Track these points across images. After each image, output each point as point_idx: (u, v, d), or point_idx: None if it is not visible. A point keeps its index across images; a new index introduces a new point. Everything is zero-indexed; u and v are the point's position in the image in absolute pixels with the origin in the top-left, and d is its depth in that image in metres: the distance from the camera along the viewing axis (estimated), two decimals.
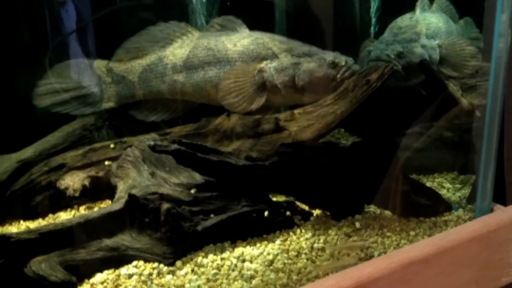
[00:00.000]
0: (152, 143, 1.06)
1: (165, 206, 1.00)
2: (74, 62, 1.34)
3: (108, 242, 0.97)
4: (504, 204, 1.21)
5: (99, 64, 1.34)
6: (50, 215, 1.21)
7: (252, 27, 1.37)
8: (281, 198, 1.19)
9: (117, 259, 0.97)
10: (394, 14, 1.54)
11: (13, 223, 1.19)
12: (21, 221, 1.19)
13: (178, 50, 1.31)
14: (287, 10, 1.62)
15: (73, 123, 1.33)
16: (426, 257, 1.00)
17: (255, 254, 1.03)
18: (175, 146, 1.06)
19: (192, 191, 1.08)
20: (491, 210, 1.18)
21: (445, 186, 1.30)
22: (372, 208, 1.19)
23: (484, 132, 1.25)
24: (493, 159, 1.23)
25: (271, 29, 1.60)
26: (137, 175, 1.10)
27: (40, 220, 1.20)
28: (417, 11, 1.49)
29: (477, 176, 1.22)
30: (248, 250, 1.04)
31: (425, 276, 1.02)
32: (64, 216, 1.20)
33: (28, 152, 1.25)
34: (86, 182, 1.14)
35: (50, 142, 1.28)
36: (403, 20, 1.47)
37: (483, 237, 1.09)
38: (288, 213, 1.13)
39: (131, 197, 1.00)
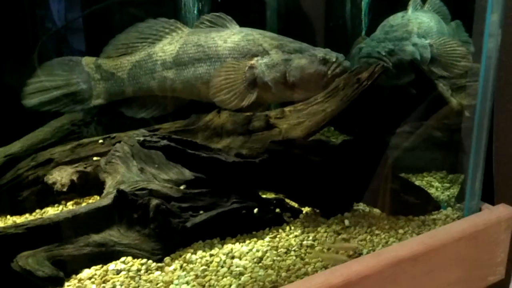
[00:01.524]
0: (141, 138, 1.07)
1: (154, 202, 1.01)
2: (63, 60, 1.34)
3: (96, 237, 0.98)
4: (492, 203, 1.23)
5: (88, 61, 1.34)
6: (38, 210, 1.20)
7: (242, 24, 1.38)
8: (270, 196, 1.20)
9: (105, 255, 0.97)
10: (386, 12, 1.56)
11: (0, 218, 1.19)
12: (8, 216, 1.19)
13: (168, 46, 1.31)
14: (278, 7, 1.63)
15: (61, 118, 1.33)
16: (414, 256, 1.02)
17: (244, 251, 1.04)
18: (165, 142, 1.07)
19: (182, 187, 1.09)
20: (480, 209, 1.20)
21: (434, 185, 1.32)
22: (361, 206, 1.21)
23: (473, 132, 1.27)
24: (482, 159, 1.25)
25: (262, 26, 1.61)
26: (126, 171, 1.10)
27: (27, 215, 1.20)
28: (409, 10, 1.51)
29: (466, 175, 1.23)
30: (237, 247, 1.05)
31: (414, 274, 1.03)
32: (51, 211, 1.20)
33: (15, 146, 1.25)
34: (74, 177, 1.14)
35: (38, 137, 1.27)
36: (395, 19, 1.49)
37: (472, 236, 1.11)
38: (277, 210, 1.14)
39: (120, 192, 1.01)
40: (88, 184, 1.19)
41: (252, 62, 1.29)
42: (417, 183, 1.31)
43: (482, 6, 1.28)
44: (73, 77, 1.34)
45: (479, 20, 1.29)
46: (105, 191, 1.08)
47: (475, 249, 1.10)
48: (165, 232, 1.01)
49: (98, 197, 1.18)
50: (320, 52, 1.32)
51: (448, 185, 1.32)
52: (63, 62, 1.35)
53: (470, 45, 1.50)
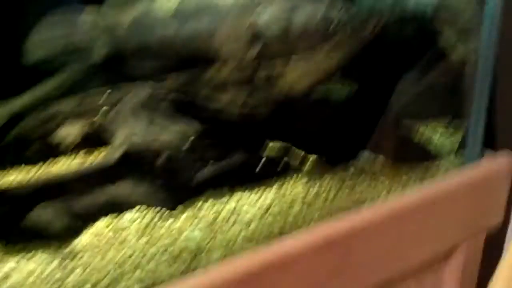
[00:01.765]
0: (151, 90, 1.08)
1: (165, 153, 1.03)
2: (61, 15, 1.32)
3: (109, 189, 1.01)
4: (495, 149, 1.26)
5: (87, 16, 1.32)
6: (48, 162, 1.22)
7: None
8: (278, 144, 1.23)
9: (120, 206, 1.00)
10: None
11: (10, 172, 1.21)
12: (18, 169, 1.21)
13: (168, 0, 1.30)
14: None
15: (65, 72, 1.32)
16: (416, 205, 1.05)
17: (252, 200, 1.07)
18: (175, 94, 1.08)
19: (191, 138, 1.11)
20: (482, 156, 1.23)
21: (438, 132, 1.34)
22: (366, 153, 1.23)
23: (476, 77, 1.28)
24: (484, 105, 1.28)
25: None
26: (135, 122, 1.12)
27: (36, 168, 1.21)
28: None
29: (468, 122, 1.26)
30: (246, 196, 1.09)
31: (417, 221, 1.07)
32: (56, 164, 1.21)
33: (20, 101, 1.24)
34: (83, 132, 1.15)
35: (43, 90, 1.27)
36: None
37: (472, 184, 1.14)
38: (285, 158, 1.17)
39: (131, 144, 1.03)
40: (97, 135, 1.20)
41: (255, 15, 1.28)
42: (421, 130, 1.33)
43: None
44: (73, 32, 1.33)
45: None
46: (116, 143, 1.10)
47: (476, 195, 1.14)
48: (176, 182, 1.04)
49: (105, 149, 1.20)
50: (322, 4, 1.29)
51: (452, 131, 1.34)
52: (63, 17, 1.33)
53: None
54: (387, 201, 1.04)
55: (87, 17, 1.34)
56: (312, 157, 1.21)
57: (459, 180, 1.12)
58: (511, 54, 1.33)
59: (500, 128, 1.28)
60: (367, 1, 1.44)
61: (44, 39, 1.33)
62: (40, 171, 1.18)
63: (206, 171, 1.08)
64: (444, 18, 1.46)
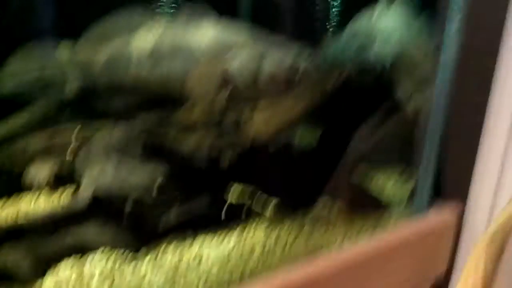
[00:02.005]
0: (120, 131, 1.12)
1: (131, 197, 1.07)
2: (37, 48, 1.35)
3: (75, 231, 1.04)
4: (443, 199, 1.35)
5: (63, 50, 1.35)
6: (13, 197, 1.24)
7: (216, 9, 1.41)
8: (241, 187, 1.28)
9: (84, 249, 1.03)
10: (354, 10, 1.62)
11: None
12: None
13: (144, 40, 1.34)
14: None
15: (35, 106, 1.34)
16: (364, 257, 1.11)
17: (215, 244, 1.12)
18: (144, 137, 1.12)
19: (157, 182, 1.15)
20: (430, 206, 1.32)
21: (391, 181, 1.43)
22: (324, 199, 1.30)
23: (428, 128, 1.38)
24: (433, 156, 1.37)
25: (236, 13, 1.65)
26: (103, 164, 1.15)
27: (3, 201, 1.23)
28: (376, 11, 1.57)
29: (418, 172, 1.35)
30: (208, 240, 1.13)
31: (364, 274, 1.14)
32: (24, 199, 1.23)
33: None
34: (54, 173, 1.18)
35: (13, 124, 1.29)
36: (361, 22, 1.55)
37: (421, 234, 1.23)
38: (247, 202, 1.22)
39: (98, 187, 1.06)
40: (64, 175, 1.23)
41: (226, 59, 1.34)
42: (375, 178, 1.42)
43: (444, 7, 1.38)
44: (47, 65, 1.35)
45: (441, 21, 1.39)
46: (82, 186, 1.13)
47: (423, 245, 1.22)
48: (141, 225, 1.08)
49: (73, 187, 1.23)
50: (292, 50, 1.37)
51: (403, 181, 1.43)
52: (39, 47, 1.35)
53: (433, 40, 1.59)
54: (340, 250, 1.11)
55: (62, 52, 1.37)
56: (273, 201, 1.27)
57: (407, 231, 1.20)
58: (462, 106, 1.43)
59: (448, 179, 1.37)
60: (331, 51, 1.52)
61: (16, 72, 1.35)
62: (7, 206, 1.19)
63: (171, 215, 1.12)
64: (401, 69, 1.56)
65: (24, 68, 1.35)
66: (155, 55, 1.34)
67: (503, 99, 1.37)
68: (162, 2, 1.45)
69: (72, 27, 1.41)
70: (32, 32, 1.51)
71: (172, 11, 1.46)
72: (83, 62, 1.36)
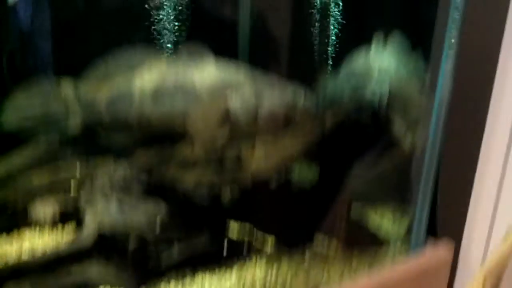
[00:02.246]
0: (122, 172, 1.15)
1: (133, 235, 1.10)
2: (42, 81, 1.38)
3: (77, 271, 1.05)
4: (436, 236, 1.38)
5: (67, 87, 1.39)
6: (14, 234, 1.26)
7: (215, 49, 1.46)
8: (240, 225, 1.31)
9: (85, 286, 1.05)
10: (351, 49, 1.67)
11: None
12: None
13: (147, 79, 1.38)
14: (250, 39, 1.72)
15: (38, 142, 1.37)
16: None
17: (214, 282, 1.14)
18: (145, 179, 1.15)
19: (158, 220, 1.18)
20: (425, 243, 1.34)
21: (386, 218, 1.45)
22: (320, 236, 1.33)
23: (422, 168, 1.41)
24: (429, 194, 1.40)
25: (234, 56, 1.70)
26: (105, 202, 1.18)
27: (4, 238, 1.25)
28: (372, 51, 1.63)
29: (414, 210, 1.38)
30: (207, 278, 1.15)
31: None
32: (27, 235, 1.25)
33: None
34: (58, 210, 1.20)
35: (16, 160, 1.32)
36: (358, 62, 1.60)
37: (415, 272, 1.25)
38: (245, 241, 1.25)
39: (100, 225, 1.09)
40: (67, 212, 1.25)
41: (227, 98, 1.38)
42: (371, 215, 1.45)
43: (437, 50, 1.43)
44: (51, 102, 1.39)
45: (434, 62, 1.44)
46: (85, 223, 1.15)
47: (418, 283, 1.25)
48: (142, 263, 1.10)
49: (75, 224, 1.25)
50: (289, 90, 1.41)
51: (399, 217, 1.46)
52: (42, 88, 1.39)
53: (426, 79, 1.64)
54: (338, 287, 1.13)
55: (65, 88, 1.41)
56: (272, 239, 1.30)
57: (404, 268, 1.22)
58: (456, 146, 1.47)
59: (442, 217, 1.40)
60: (329, 88, 1.57)
61: (20, 107, 1.38)
62: (10, 242, 1.21)
63: (172, 252, 1.14)
64: (396, 107, 1.60)
65: (27, 104, 1.38)
66: (157, 93, 1.38)
67: (496, 138, 1.41)
68: (163, 41, 1.49)
69: (75, 64, 1.46)
70: (36, 68, 1.56)
71: (172, 50, 1.50)
72: (86, 99, 1.40)
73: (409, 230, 1.39)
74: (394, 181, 1.50)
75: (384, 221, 1.44)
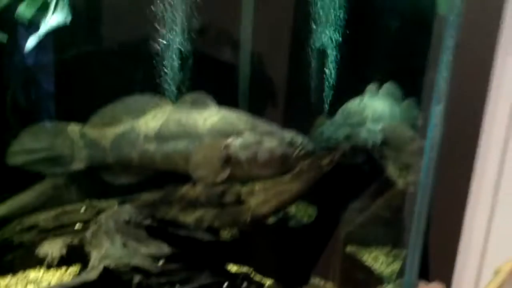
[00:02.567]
0: (127, 217, 1.21)
1: (137, 278, 1.15)
2: (49, 125, 1.44)
3: None
4: (428, 279, 1.43)
5: (73, 128, 1.45)
6: (21, 273, 1.30)
7: (216, 92, 1.53)
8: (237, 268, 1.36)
9: None
10: (346, 93, 1.75)
11: None
12: None
13: (151, 121, 1.44)
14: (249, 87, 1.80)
15: (44, 182, 1.42)
16: None
17: None
18: (149, 221, 1.21)
19: (160, 262, 1.22)
20: (417, 286, 1.40)
21: (380, 260, 1.51)
22: (317, 279, 1.38)
23: (414, 210, 1.47)
24: (420, 237, 1.46)
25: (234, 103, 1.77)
26: (110, 245, 1.23)
27: (9, 276, 1.29)
28: (366, 96, 1.71)
29: (406, 253, 1.44)
30: None
31: None
32: (33, 275, 1.30)
33: (1, 209, 1.34)
34: (64, 251, 1.25)
35: (22, 201, 1.37)
36: (353, 104, 1.68)
37: None
38: (244, 284, 1.29)
39: (106, 268, 1.14)
40: (73, 253, 1.30)
41: (228, 142, 1.44)
42: (365, 257, 1.50)
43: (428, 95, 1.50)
44: (57, 142, 1.44)
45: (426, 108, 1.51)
46: (90, 264, 1.20)
47: None
48: None
49: (80, 266, 1.30)
50: (287, 135, 1.47)
51: (391, 260, 1.52)
52: (49, 127, 1.45)
53: (418, 122, 1.72)
54: None
55: (72, 130, 1.46)
56: (269, 282, 1.35)
57: None
58: (447, 188, 1.54)
59: (433, 261, 1.46)
60: (325, 130, 1.64)
61: (27, 147, 1.44)
62: (17, 281, 1.26)
63: None
64: (389, 149, 1.67)
65: (35, 145, 1.44)
66: (161, 135, 1.44)
67: (484, 183, 1.48)
68: (166, 88, 1.56)
69: (83, 108, 1.52)
70: (44, 110, 1.62)
71: (176, 96, 1.57)
72: (92, 141, 1.45)
73: (401, 272, 1.45)
74: (388, 221, 1.56)
75: (377, 263, 1.50)
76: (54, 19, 1.19)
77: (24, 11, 1.17)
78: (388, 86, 1.77)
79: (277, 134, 1.48)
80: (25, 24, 1.29)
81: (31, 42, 1.22)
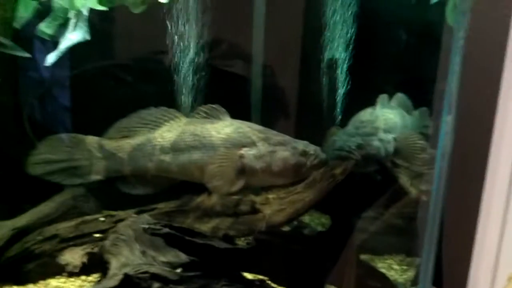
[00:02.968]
0: (146, 226, 1.24)
1: (156, 285, 1.18)
2: (68, 136, 1.49)
3: None
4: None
5: (91, 140, 1.49)
6: (41, 281, 1.34)
7: (228, 103, 1.57)
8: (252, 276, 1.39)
9: None
10: (358, 103, 1.79)
11: None
12: (14, 286, 1.32)
13: (167, 133, 1.49)
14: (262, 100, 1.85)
15: (64, 193, 1.47)
16: None
17: None
18: (166, 230, 1.24)
19: (178, 270, 1.26)
20: None
21: (394, 268, 1.54)
22: (331, 287, 1.41)
23: (428, 219, 1.50)
24: (434, 245, 1.48)
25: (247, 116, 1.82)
26: (129, 253, 1.26)
27: (31, 285, 1.33)
28: (378, 106, 1.74)
29: (420, 261, 1.46)
30: None
31: None
32: (54, 283, 1.34)
33: (23, 220, 1.38)
34: (85, 259, 1.29)
35: (43, 211, 1.42)
36: (365, 115, 1.72)
37: None
38: None
39: (126, 275, 1.17)
40: (93, 262, 1.34)
41: (242, 152, 1.48)
42: (379, 265, 1.53)
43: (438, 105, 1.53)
44: (75, 153, 1.49)
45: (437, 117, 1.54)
46: (110, 272, 1.23)
47: None
48: None
49: (100, 274, 1.33)
50: (300, 144, 1.50)
51: (405, 267, 1.54)
52: (67, 138, 1.49)
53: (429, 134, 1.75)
54: None
55: (90, 142, 1.51)
56: None
57: None
58: (460, 196, 1.56)
59: (446, 269, 1.48)
60: (338, 139, 1.67)
61: (46, 158, 1.48)
62: None
63: None
64: (401, 159, 1.70)
65: (53, 156, 1.48)
66: (177, 146, 1.48)
67: (496, 190, 1.50)
68: (182, 99, 1.61)
69: (99, 121, 1.57)
70: (61, 122, 1.68)
71: (191, 109, 1.61)
72: (110, 152, 1.50)
73: (415, 281, 1.47)
74: (400, 231, 1.58)
75: (391, 271, 1.52)
76: (74, 36, 1.24)
77: (45, 28, 1.22)
78: (399, 96, 1.81)
79: (290, 144, 1.51)
80: (45, 40, 1.34)
81: (52, 57, 1.26)
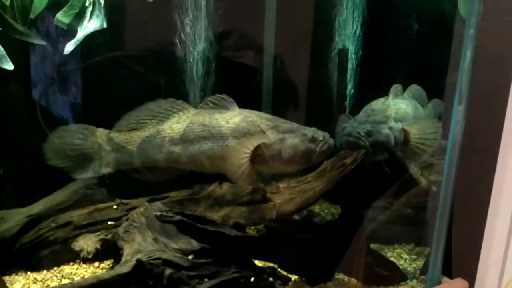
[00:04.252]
0: (158, 213, 1.29)
1: (168, 271, 1.22)
2: (79, 127, 1.53)
3: None
4: (451, 276, 1.49)
5: (101, 133, 1.53)
6: (55, 268, 1.39)
7: (240, 95, 1.60)
8: (263, 264, 1.43)
9: None
10: (369, 92, 1.82)
11: (20, 274, 1.37)
12: (28, 272, 1.37)
13: (175, 124, 1.52)
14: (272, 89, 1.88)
15: (77, 181, 1.51)
16: None
17: None
18: (178, 217, 1.29)
19: (190, 257, 1.30)
20: (440, 283, 1.46)
21: (403, 257, 1.58)
22: (341, 275, 1.45)
23: (437, 208, 1.53)
24: (443, 235, 1.52)
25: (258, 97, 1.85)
26: (142, 240, 1.31)
27: (45, 271, 1.38)
28: (390, 96, 1.77)
29: (429, 250, 1.50)
30: None
31: None
32: (67, 270, 1.39)
33: (37, 207, 1.43)
34: (98, 245, 1.34)
35: (56, 199, 1.46)
36: (377, 104, 1.74)
37: None
38: (270, 278, 1.37)
39: (139, 261, 1.22)
40: (105, 248, 1.39)
41: (253, 141, 1.51)
42: (388, 254, 1.57)
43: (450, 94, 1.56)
44: (86, 145, 1.52)
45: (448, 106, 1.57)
46: (123, 258, 1.28)
47: None
48: None
49: (112, 261, 1.39)
50: (309, 131, 1.53)
51: (415, 257, 1.58)
52: (78, 130, 1.53)
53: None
54: None
55: (100, 133, 1.55)
56: (294, 278, 1.42)
57: None
58: (470, 186, 1.59)
59: (456, 258, 1.52)
60: (347, 128, 1.70)
61: (57, 147, 1.52)
62: (51, 276, 1.35)
63: None
64: (412, 149, 1.73)
65: (64, 146, 1.52)
66: (186, 137, 1.52)
67: (506, 179, 1.53)
68: (191, 90, 1.64)
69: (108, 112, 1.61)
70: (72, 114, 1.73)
71: (200, 99, 1.65)
72: (119, 145, 1.53)
73: (424, 270, 1.51)
74: (410, 221, 1.62)
75: (400, 260, 1.56)
76: (91, 24, 1.27)
77: (62, 17, 1.26)
78: (414, 87, 1.84)
79: (299, 131, 1.54)
80: (63, 29, 1.37)
81: (70, 46, 1.29)
